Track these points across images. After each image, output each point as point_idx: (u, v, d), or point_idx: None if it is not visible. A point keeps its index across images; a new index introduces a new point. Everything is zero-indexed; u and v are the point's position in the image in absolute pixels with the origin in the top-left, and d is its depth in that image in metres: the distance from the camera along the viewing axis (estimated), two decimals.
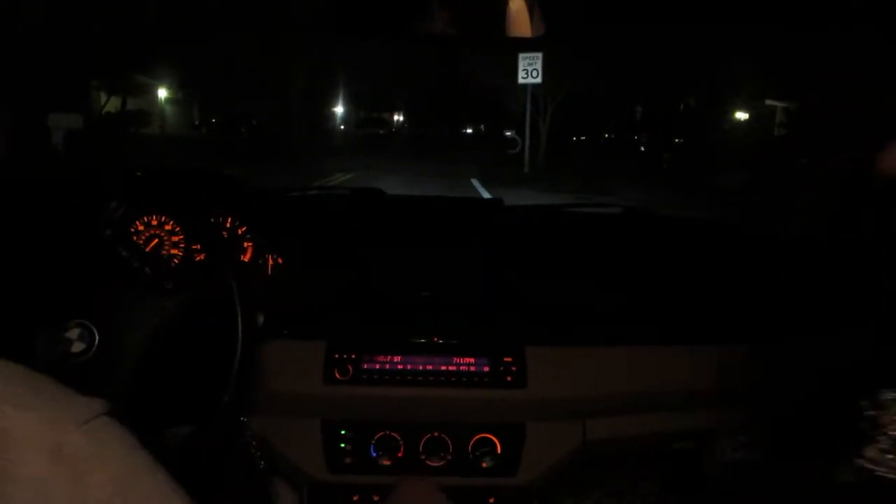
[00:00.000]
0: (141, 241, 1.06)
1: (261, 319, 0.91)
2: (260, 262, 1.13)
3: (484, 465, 1.08)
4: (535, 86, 12.18)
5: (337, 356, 1.05)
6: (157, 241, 1.10)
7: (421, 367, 1.05)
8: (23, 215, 0.94)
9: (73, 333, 0.74)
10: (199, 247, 1.10)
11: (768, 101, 13.92)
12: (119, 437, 0.41)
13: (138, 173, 1.03)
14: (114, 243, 0.83)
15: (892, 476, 0.78)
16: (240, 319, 0.77)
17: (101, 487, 0.38)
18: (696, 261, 1.21)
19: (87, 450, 0.39)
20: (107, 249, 0.81)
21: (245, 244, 1.14)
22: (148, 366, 0.75)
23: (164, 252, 1.10)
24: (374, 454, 1.08)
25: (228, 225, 1.15)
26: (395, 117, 37.24)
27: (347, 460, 1.08)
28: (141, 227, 1.10)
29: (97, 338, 0.75)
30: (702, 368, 1.11)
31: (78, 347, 0.74)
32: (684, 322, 1.15)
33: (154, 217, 1.10)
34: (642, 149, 18.55)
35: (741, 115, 14.82)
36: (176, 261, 1.09)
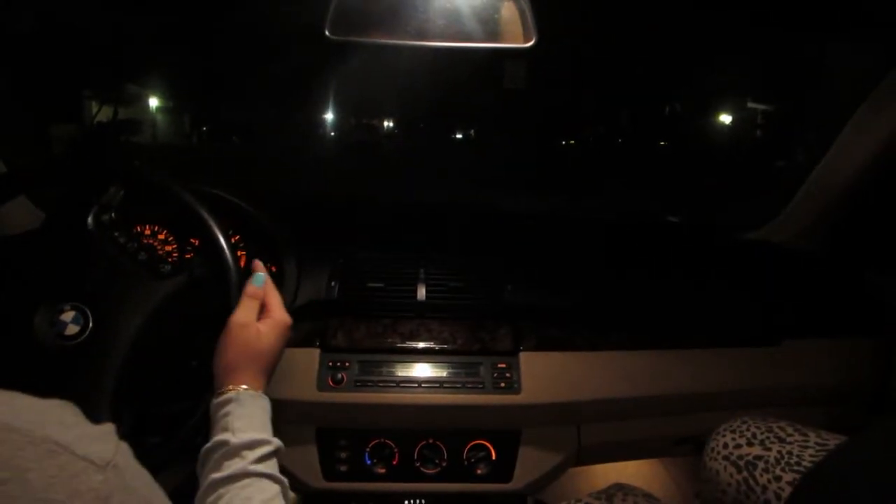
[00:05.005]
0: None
1: None
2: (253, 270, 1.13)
3: (479, 471, 1.08)
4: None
5: (331, 363, 1.05)
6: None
7: (415, 374, 1.05)
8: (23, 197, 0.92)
9: (68, 316, 0.74)
10: (192, 255, 1.09)
11: (750, 104, 14.05)
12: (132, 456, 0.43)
13: (136, 162, 1.02)
14: (111, 227, 0.82)
15: None
16: (233, 300, 0.76)
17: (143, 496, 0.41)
18: (689, 265, 1.22)
19: (127, 464, 0.41)
20: (104, 233, 0.81)
21: (238, 253, 1.13)
22: (142, 349, 0.75)
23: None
24: (369, 462, 1.08)
25: None
26: (385, 123, 37.27)
27: (342, 468, 1.08)
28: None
29: (91, 321, 0.74)
30: (699, 372, 1.11)
31: (72, 330, 0.74)
32: (679, 326, 1.16)
33: (147, 227, 1.10)
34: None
35: (726, 118, 14.97)
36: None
